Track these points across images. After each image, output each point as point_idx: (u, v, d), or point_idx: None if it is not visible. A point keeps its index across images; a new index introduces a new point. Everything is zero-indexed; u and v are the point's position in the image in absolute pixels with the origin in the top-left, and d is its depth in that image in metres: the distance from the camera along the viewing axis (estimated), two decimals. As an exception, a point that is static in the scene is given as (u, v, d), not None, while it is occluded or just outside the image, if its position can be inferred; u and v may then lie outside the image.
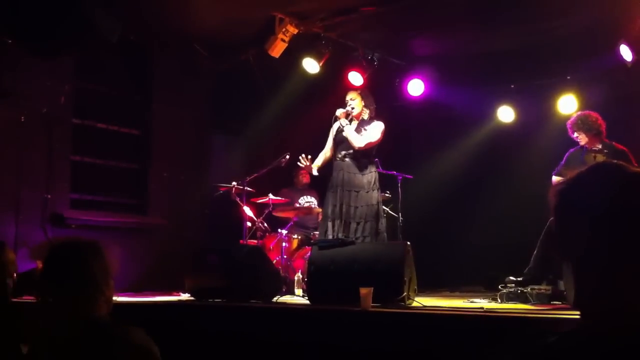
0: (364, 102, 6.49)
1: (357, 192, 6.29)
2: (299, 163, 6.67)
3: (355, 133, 6.37)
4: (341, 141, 6.47)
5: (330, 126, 6.56)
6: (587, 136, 6.04)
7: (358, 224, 6.22)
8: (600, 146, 6.03)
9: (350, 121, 6.43)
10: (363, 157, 6.39)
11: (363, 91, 6.67)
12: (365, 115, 6.49)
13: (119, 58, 8.17)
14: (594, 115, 6.13)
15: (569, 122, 6.20)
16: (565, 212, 1.43)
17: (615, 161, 1.44)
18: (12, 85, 7.04)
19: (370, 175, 6.37)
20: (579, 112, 6.28)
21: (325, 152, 6.70)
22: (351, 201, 6.28)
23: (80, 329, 2.24)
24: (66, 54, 6.95)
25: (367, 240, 6.14)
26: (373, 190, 6.33)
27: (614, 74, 7.26)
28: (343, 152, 6.43)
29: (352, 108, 6.44)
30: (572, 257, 1.42)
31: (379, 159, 6.84)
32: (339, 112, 6.42)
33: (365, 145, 6.31)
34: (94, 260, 2.40)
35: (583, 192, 1.40)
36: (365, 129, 6.40)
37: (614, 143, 6.06)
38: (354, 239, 6.06)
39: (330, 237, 6.18)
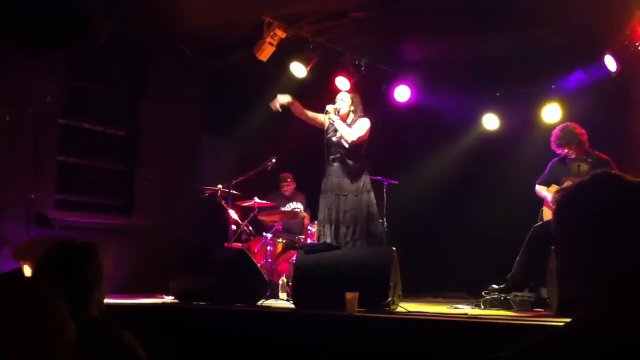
0: (353, 105, 6.52)
1: (346, 195, 6.32)
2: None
3: (346, 127, 6.39)
4: (330, 145, 6.49)
5: (322, 124, 6.60)
6: (576, 149, 6.10)
7: (347, 227, 6.24)
8: (584, 155, 6.10)
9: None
10: (352, 160, 6.40)
11: (355, 95, 6.69)
12: (349, 120, 6.51)
13: (110, 58, 8.12)
14: (574, 125, 6.19)
15: (553, 137, 6.20)
16: (565, 219, 1.48)
17: (615, 171, 1.50)
18: (1, 84, 6.98)
19: (360, 178, 6.37)
20: (559, 127, 6.27)
21: (307, 111, 6.68)
22: (340, 205, 6.30)
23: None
24: (56, 51, 6.91)
25: (357, 244, 6.14)
26: (362, 193, 6.33)
27: (598, 84, 7.33)
28: (332, 157, 6.46)
29: (340, 107, 6.48)
30: (568, 260, 1.46)
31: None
32: (330, 107, 6.45)
33: (358, 139, 6.32)
34: (88, 261, 2.42)
35: (583, 200, 1.46)
36: (351, 129, 6.42)
37: (596, 152, 6.13)
38: (343, 243, 6.08)
39: (322, 241, 6.21)
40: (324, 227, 6.34)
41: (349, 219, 6.26)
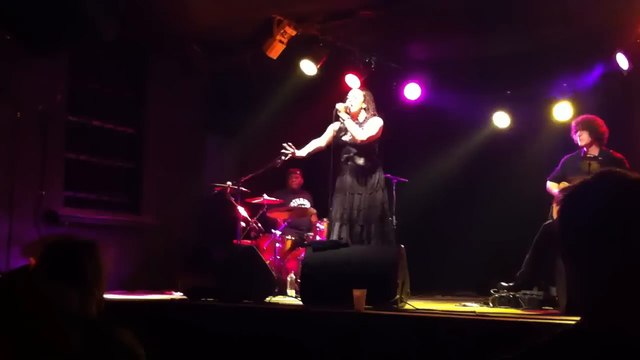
0: (365, 103, 6.49)
1: (360, 194, 6.29)
2: (283, 151, 6.63)
3: (356, 126, 6.36)
4: (343, 144, 6.46)
5: (329, 123, 6.58)
6: (589, 137, 6.07)
7: (362, 227, 6.21)
8: (597, 152, 6.05)
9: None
10: (365, 158, 6.37)
11: (367, 93, 6.66)
12: (362, 117, 6.48)
13: (115, 56, 8.17)
14: (600, 121, 6.16)
15: (574, 120, 6.21)
16: (569, 218, 1.45)
17: (620, 169, 1.47)
18: (7, 82, 7.02)
19: (374, 176, 6.34)
20: (586, 114, 6.27)
21: (320, 142, 6.68)
22: (354, 204, 6.27)
23: (69, 327, 2.23)
24: (63, 51, 6.93)
25: (372, 243, 6.13)
26: (377, 191, 6.29)
27: (609, 82, 7.29)
28: (345, 156, 6.43)
29: (352, 105, 6.45)
30: (574, 262, 1.44)
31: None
32: (340, 106, 6.41)
33: (368, 138, 6.30)
34: (87, 259, 2.39)
35: (588, 199, 1.43)
36: (362, 128, 6.40)
37: (610, 151, 6.07)
38: (358, 242, 6.06)
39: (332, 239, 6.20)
40: (339, 226, 6.29)
41: (363, 218, 6.22)
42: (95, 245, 2.45)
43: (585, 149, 6.09)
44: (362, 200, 6.27)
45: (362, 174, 6.35)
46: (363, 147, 6.37)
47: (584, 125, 6.11)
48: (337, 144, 6.50)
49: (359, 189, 6.31)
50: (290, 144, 6.65)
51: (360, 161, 6.37)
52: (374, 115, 6.47)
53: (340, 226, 6.29)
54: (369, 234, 6.19)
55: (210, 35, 8.12)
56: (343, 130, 6.48)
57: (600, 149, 6.08)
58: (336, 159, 6.47)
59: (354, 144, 6.40)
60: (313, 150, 6.72)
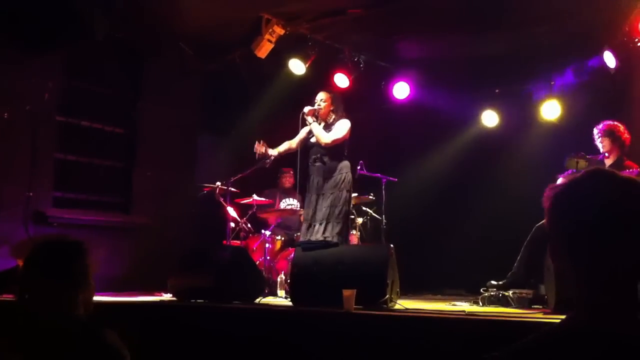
0: (333, 105, 6.55)
1: (324, 194, 6.38)
2: (254, 150, 6.60)
3: (322, 129, 6.45)
4: (311, 146, 6.54)
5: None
6: (611, 144, 6.05)
7: (320, 224, 6.28)
8: (615, 158, 6.04)
9: (317, 120, 6.52)
10: (332, 159, 6.44)
11: (335, 95, 6.72)
12: (331, 119, 6.53)
13: (108, 57, 8.13)
14: (622, 127, 6.13)
15: (598, 127, 6.15)
16: (558, 216, 1.46)
17: (609, 168, 1.48)
18: (3, 83, 6.97)
19: (339, 177, 6.40)
20: (607, 121, 6.22)
21: (291, 142, 6.74)
22: (317, 204, 6.38)
23: (55, 327, 2.23)
24: (54, 51, 6.90)
25: (325, 239, 6.17)
26: (341, 191, 6.35)
27: (597, 80, 7.32)
28: (312, 157, 6.52)
29: (320, 107, 6.51)
30: (562, 259, 1.44)
31: (363, 160, 6.89)
32: (307, 109, 6.48)
33: (332, 141, 6.36)
34: (74, 259, 2.38)
35: (577, 197, 1.43)
36: (330, 130, 6.47)
37: (626, 160, 6.04)
38: (313, 239, 6.11)
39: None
40: (306, 227, 6.43)
41: (322, 217, 6.31)
42: (82, 245, 2.43)
43: (607, 154, 6.10)
44: (324, 200, 6.35)
45: (327, 175, 6.43)
46: (330, 149, 6.44)
47: (605, 133, 6.09)
48: (305, 145, 6.57)
49: (323, 189, 6.40)
50: (262, 142, 6.61)
51: (327, 162, 6.44)
52: (342, 117, 6.52)
53: (308, 227, 6.38)
54: (324, 232, 6.23)
55: (203, 36, 8.10)
56: (311, 132, 6.53)
57: (619, 155, 6.07)
58: (305, 161, 6.55)
59: (320, 145, 6.47)
60: (284, 150, 6.76)
